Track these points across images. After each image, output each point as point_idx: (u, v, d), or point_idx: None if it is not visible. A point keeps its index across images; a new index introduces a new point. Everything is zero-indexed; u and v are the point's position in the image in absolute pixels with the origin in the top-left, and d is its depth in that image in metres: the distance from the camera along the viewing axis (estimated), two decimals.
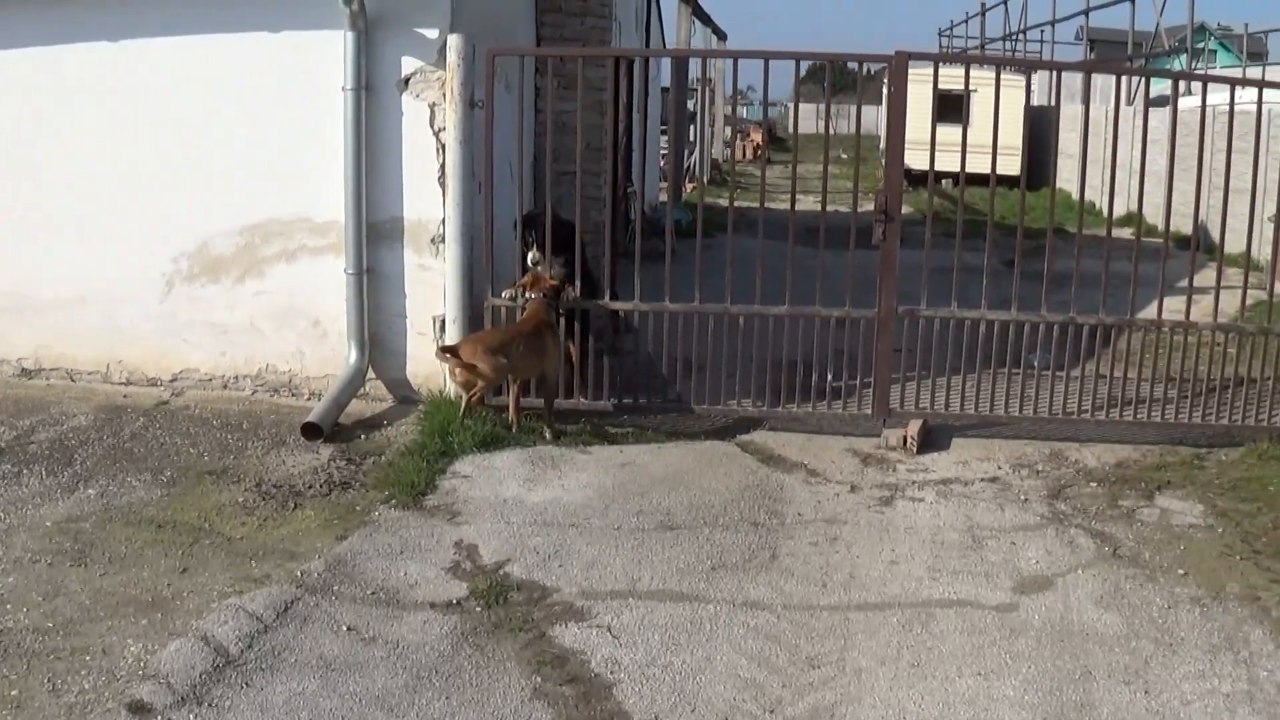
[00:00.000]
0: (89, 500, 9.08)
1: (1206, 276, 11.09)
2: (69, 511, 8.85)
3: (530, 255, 10.94)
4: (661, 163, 26.90)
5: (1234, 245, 14.43)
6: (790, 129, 58.41)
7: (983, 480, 9.80)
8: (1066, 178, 27.24)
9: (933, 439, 10.60)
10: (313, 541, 8.49)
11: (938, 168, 10.69)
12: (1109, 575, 8.17)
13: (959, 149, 10.26)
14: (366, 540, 8.49)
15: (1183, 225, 13.28)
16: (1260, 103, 10.40)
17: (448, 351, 10.12)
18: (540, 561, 8.23)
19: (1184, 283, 11.17)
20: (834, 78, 11.46)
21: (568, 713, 6.53)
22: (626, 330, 11.06)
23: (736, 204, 11.67)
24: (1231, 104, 10.43)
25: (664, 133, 28.53)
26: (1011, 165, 13.14)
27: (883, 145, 31.95)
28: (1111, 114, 10.35)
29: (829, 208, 10.74)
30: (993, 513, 9.17)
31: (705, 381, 10.80)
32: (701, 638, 7.30)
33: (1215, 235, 12.43)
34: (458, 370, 10.08)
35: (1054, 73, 11.83)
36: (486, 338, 10.30)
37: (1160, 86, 30.22)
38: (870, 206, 12.71)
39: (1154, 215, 17.37)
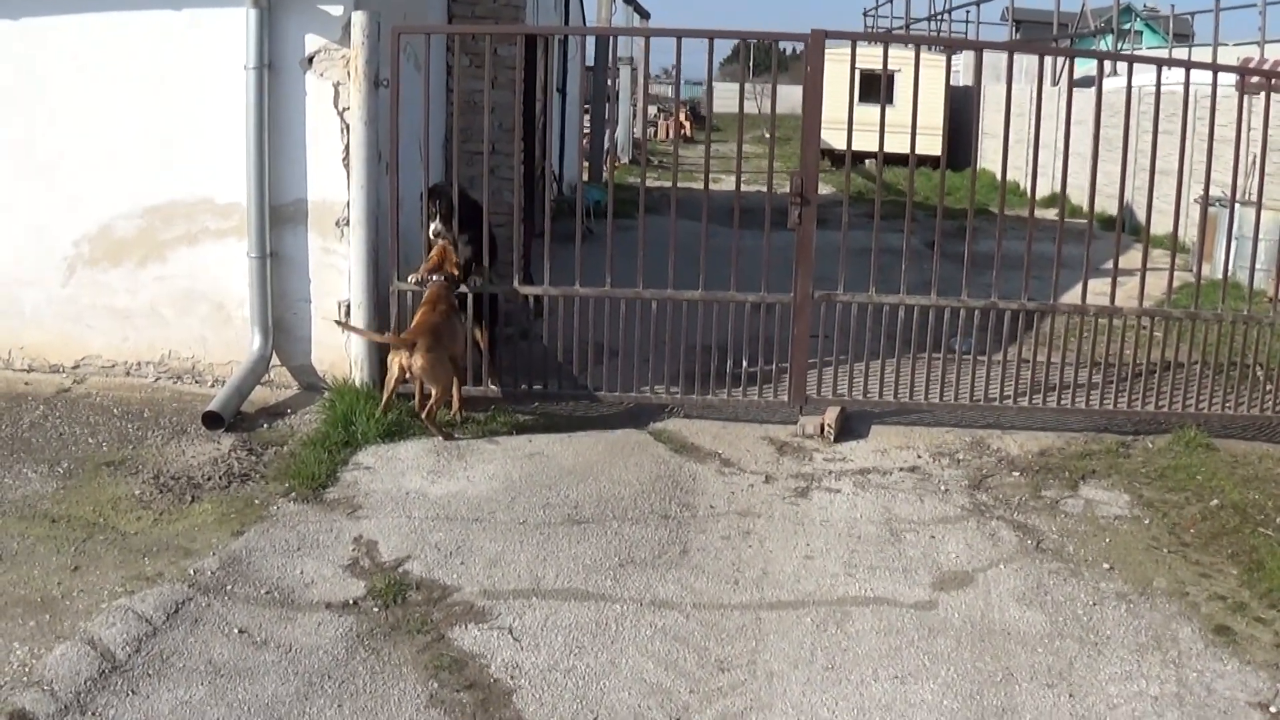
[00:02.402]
0: None
1: (1132, 259, 10.93)
2: None
3: (432, 227, 10.63)
4: (584, 142, 26.72)
5: (1160, 227, 14.34)
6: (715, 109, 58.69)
7: (902, 470, 9.60)
8: (990, 158, 27.28)
9: (851, 427, 10.40)
10: (208, 537, 8.19)
11: (859, 148, 10.48)
12: (1032, 570, 7.98)
13: (879, 129, 10.02)
14: (263, 536, 8.20)
15: (1108, 206, 13.14)
16: (1187, 84, 10.22)
17: (404, 343, 9.88)
18: (441, 559, 7.95)
19: (1109, 264, 11.01)
20: (757, 57, 11.20)
21: None
22: (539, 315, 10.76)
23: (659, 184, 11.38)
24: (1158, 85, 10.24)
25: (587, 113, 28.35)
26: (932, 145, 12.97)
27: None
28: (1035, 94, 10.12)
29: (748, 188, 10.52)
30: (912, 504, 8.97)
31: (617, 368, 10.56)
32: (607, 640, 7.05)
33: (1141, 217, 12.29)
34: (419, 360, 9.81)
35: (977, 53, 11.60)
36: (435, 325, 10.03)
37: (1086, 67, 30.30)
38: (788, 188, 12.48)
39: (1078, 196, 17.30)
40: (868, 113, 10.29)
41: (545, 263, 10.40)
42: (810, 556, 8.15)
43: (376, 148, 10.33)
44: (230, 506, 8.68)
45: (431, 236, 10.64)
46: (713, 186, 10.39)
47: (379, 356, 10.51)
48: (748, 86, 10.67)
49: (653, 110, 43.14)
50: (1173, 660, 6.93)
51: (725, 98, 43.49)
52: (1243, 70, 12.01)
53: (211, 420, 9.98)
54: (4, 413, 10.23)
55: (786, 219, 10.49)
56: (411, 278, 10.43)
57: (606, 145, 26.77)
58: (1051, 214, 13.89)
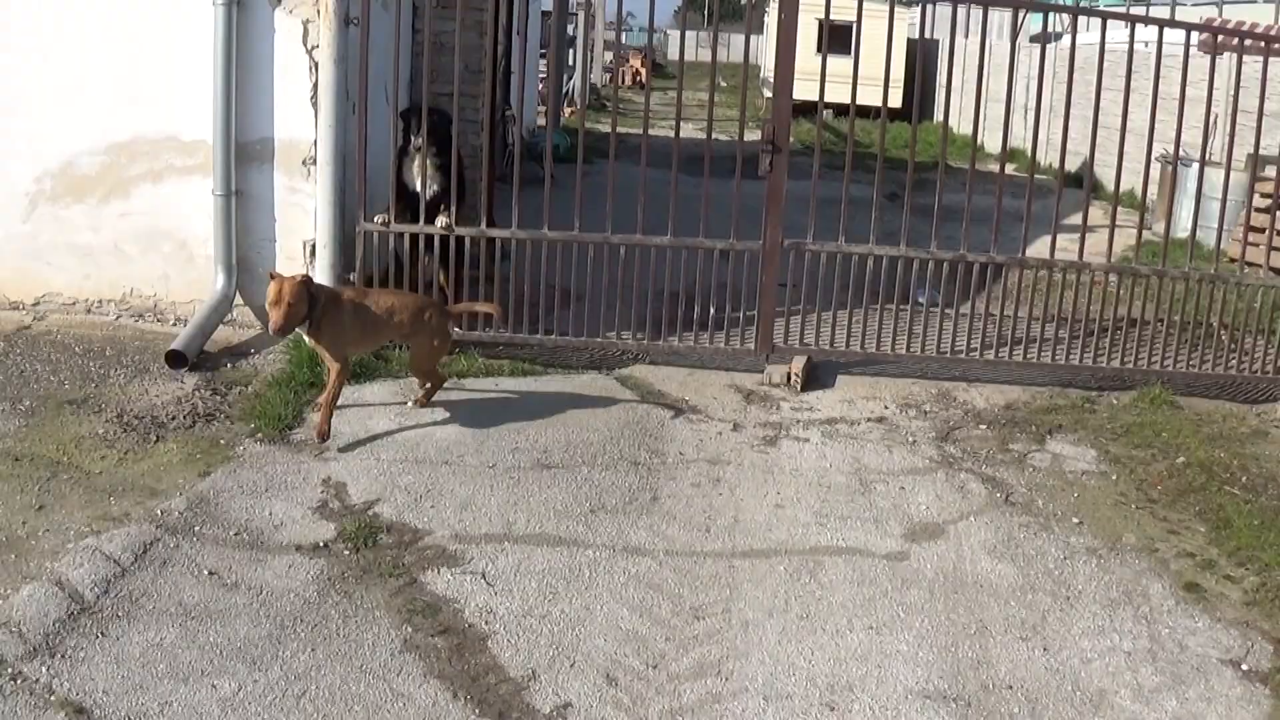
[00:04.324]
0: None
1: (1096, 218, 10.94)
2: None
3: (413, 141, 10.53)
4: (540, 87, 26.55)
5: (1129, 186, 14.35)
6: (671, 57, 58.21)
7: (869, 420, 9.59)
8: (961, 115, 27.23)
9: (817, 376, 10.38)
10: (175, 477, 8.11)
11: (812, 99, 10.42)
12: (1002, 523, 7.99)
13: (843, 80, 9.92)
14: (230, 477, 8.12)
15: (1075, 164, 13.11)
16: (1161, 42, 10.18)
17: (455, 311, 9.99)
18: (411, 501, 7.89)
19: (1075, 221, 11.00)
20: (719, 5, 11.12)
21: (440, 667, 6.23)
22: (504, 257, 10.67)
23: (623, 130, 11.29)
24: (1131, 42, 10.20)
25: (543, 57, 28.15)
26: (895, 98, 12.93)
27: (763, 74, 31.73)
28: (1006, 49, 10.09)
29: (701, 136, 10.45)
30: (880, 455, 8.96)
31: (585, 313, 10.49)
32: (580, 585, 7.02)
33: (1110, 176, 12.26)
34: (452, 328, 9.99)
35: (953, 5, 11.52)
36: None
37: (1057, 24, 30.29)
38: (756, 136, 12.39)
39: (1047, 155, 17.29)
40: (831, 64, 10.12)
41: (514, 206, 10.30)
42: (781, 505, 8.12)
43: (345, 87, 10.19)
44: (196, 447, 8.59)
45: (413, 151, 10.54)
46: (665, 134, 10.32)
47: None
48: (696, 35, 10.56)
49: (608, 57, 42.94)
50: (1144, 616, 6.96)
51: (674, 46, 43.04)
52: (1215, 30, 12.02)
53: (175, 359, 9.87)
54: None
55: (755, 167, 10.43)
56: (379, 218, 10.33)
57: (565, 90, 26.63)
58: (1010, 170, 13.89)
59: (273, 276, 8.52)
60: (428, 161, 10.49)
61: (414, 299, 9.47)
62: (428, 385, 9.44)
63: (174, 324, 10.87)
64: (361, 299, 9.07)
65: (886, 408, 9.85)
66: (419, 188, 10.48)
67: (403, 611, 6.66)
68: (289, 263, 10.60)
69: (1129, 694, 6.29)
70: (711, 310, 10.53)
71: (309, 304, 8.49)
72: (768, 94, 30.20)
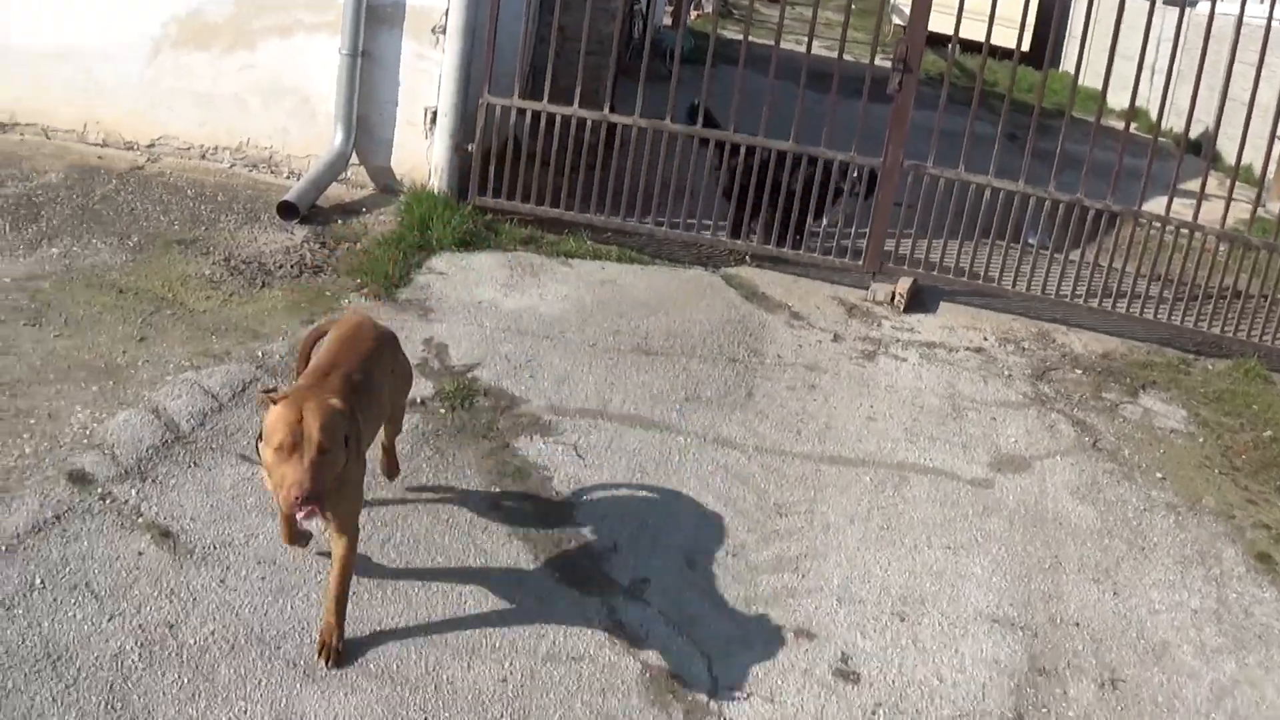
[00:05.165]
0: (51, 259, 8.73)
1: (1211, 187, 10.81)
2: (29, 269, 8.51)
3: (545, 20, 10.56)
4: None
5: (1248, 161, 14.19)
6: None
7: (967, 349, 9.57)
8: (1089, 68, 26.87)
9: (921, 300, 10.36)
10: (278, 323, 8.22)
11: (942, 31, 10.35)
12: (1087, 467, 7.99)
13: (978, 17, 9.78)
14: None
15: (1197, 132, 12.92)
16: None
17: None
18: (510, 370, 7.98)
19: (1190, 187, 10.90)
20: None
21: (525, 529, 6.33)
22: (622, 146, 10.68)
23: (752, 39, 11.22)
24: (1270, 19, 10.01)
25: None
26: (1027, 41, 12.76)
27: (893, 2, 31.36)
28: (1143, 8, 9.97)
29: (829, 55, 10.40)
30: (975, 384, 8.96)
31: (697, 208, 10.50)
32: (669, 469, 7.10)
33: (1230, 149, 12.10)
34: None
35: None
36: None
37: None
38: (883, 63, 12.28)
39: (1170, 120, 17.09)
40: None
41: (639, 96, 10.30)
42: (873, 418, 8.16)
43: None
44: (301, 295, 8.69)
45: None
46: (795, 48, 10.27)
47: (460, 167, 10.48)
48: None
49: None
50: (1214, 578, 6.97)
51: None
52: None
53: (286, 210, 9.96)
54: (76, 184, 10.19)
55: (883, 88, 10.38)
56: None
57: None
58: (1133, 129, 13.74)
59: (270, 396, 5.03)
60: (556, 42, 10.49)
61: (372, 341, 5.90)
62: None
63: (288, 177, 10.96)
64: (349, 390, 5.40)
65: (986, 339, 9.83)
66: (547, 67, 10.48)
67: (493, 473, 6.75)
68: (409, 127, 10.66)
69: (1191, 650, 6.33)
70: (824, 221, 10.52)
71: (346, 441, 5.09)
72: (897, 21, 30.14)
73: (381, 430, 6.22)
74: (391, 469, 6.55)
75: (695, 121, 10.38)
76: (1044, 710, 5.80)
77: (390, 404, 6.11)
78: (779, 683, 5.70)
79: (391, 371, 6.01)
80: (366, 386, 5.58)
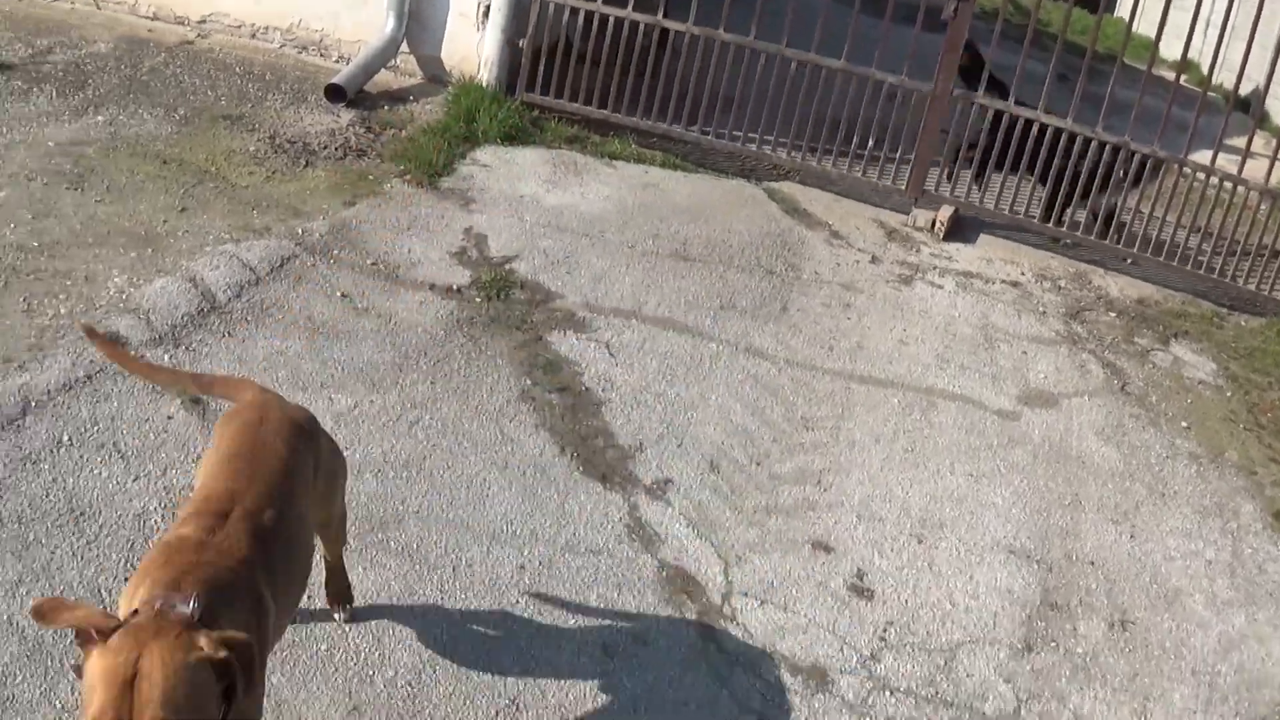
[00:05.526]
0: (96, 126, 8.73)
1: (1257, 146, 10.68)
2: (74, 135, 8.51)
3: None
4: None
5: None
6: None
7: (1004, 282, 9.55)
8: (1144, 16, 26.57)
9: (960, 229, 10.31)
10: (319, 202, 8.23)
11: None
12: (1114, 409, 7.99)
13: None
14: (375, 210, 8.24)
15: (1246, 90, 12.79)
16: None
17: None
18: (548, 264, 7.99)
19: (1236, 144, 10.79)
20: None
21: (552, 421, 6.37)
22: (672, 53, 10.61)
23: None
24: None
25: None
26: None
27: None
28: None
29: None
30: (1009, 317, 8.94)
31: (744, 119, 10.45)
32: (700, 374, 7.12)
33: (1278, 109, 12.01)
34: None
35: None
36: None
37: None
38: None
39: (1221, 75, 16.93)
40: None
41: (692, 3, 10.23)
42: (905, 342, 8.16)
43: None
44: (344, 177, 8.70)
45: None
46: None
47: (510, 61, 10.43)
48: None
49: None
50: (1231, 531, 6.98)
51: None
52: None
53: (334, 93, 9.92)
54: (124, 55, 10.16)
55: (937, 14, 10.30)
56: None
57: None
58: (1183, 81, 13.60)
59: (95, 625, 3.22)
60: None
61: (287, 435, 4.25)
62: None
63: (336, 61, 10.91)
64: (255, 552, 3.76)
65: (1023, 274, 9.81)
66: None
67: (524, 364, 6.78)
68: (461, 19, 10.60)
69: (1202, 600, 6.36)
70: (870, 142, 10.47)
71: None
72: None
73: (321, 543, 4.71)
74: (341, 593, 5.08)
75: (974, 83, 10.32)
76: (1053, 644, 5.84)
77: (324, 512, 4.54)
78: (793, 592, 5.75)
79: (316, 474, 4.33)
80: (283, 530, 3.93)
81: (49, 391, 5.83)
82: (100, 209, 7.53)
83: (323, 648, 5.02)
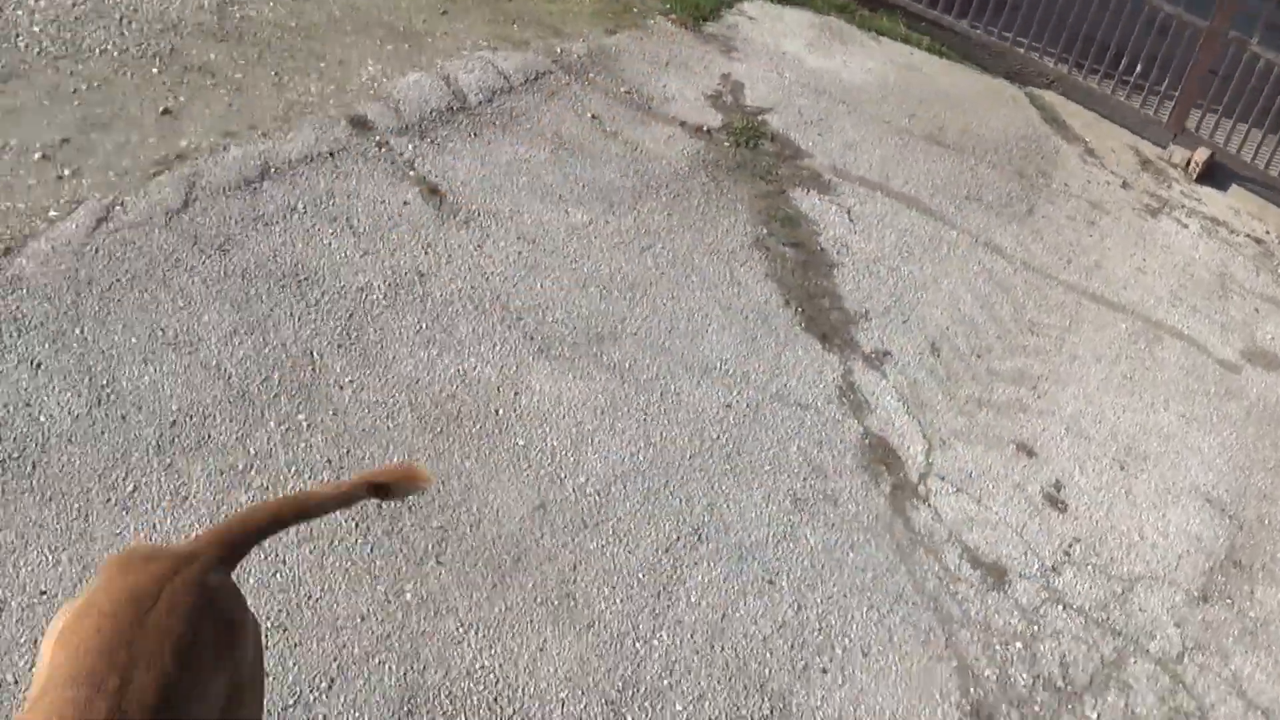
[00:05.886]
0: None
1: None
2: None
3: None
4: None
5: None
6: None
7: (1248, 237, 9.32)
8: None
9: (1214, 174, 10.05)
10: (581, 26, 8.22)
11: None
12: None
13: None
14: (635, 42, 8.22)
15: None
16: None
17: None
18: (801, 123, 7.93)
19: None
20: None
21: (782, 274, 6.36)
22: None
23: None
24: None
25: None
26: None
27: None
28: None
29: None
30: (1247, 272, 8.73)
31: (1016, 22, 10.26)
32: (936, 257, 7.07)
33: None
34: None
35: None
36: None
37: None
38: None
39: None
40: None
41: None
42: (1143, 271, 8.01)
43: None
44: (608, 5, 8.67)
45: None
46: None
47: None
48: None
49: None
50: None
51: None
52: None
53: None
54: None
55: None
56: None
57: None
58: None
59: None
60: None
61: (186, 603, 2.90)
62: None
63: None
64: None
65: (1268, 233, 9.56)
66: None
67: (763, 214, 6.77)
68: None
69: None
70: (1138, 68, 10.23)
71: None
72: None
73: None
74: None
75: None
76: (1228, 601, 5.76)
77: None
78: (990, 488, 5.72)
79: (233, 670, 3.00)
80: None
81: (289, 161, 5.95)
82: (362, 0, 7.60)
83: (520, 443, 5.09)
